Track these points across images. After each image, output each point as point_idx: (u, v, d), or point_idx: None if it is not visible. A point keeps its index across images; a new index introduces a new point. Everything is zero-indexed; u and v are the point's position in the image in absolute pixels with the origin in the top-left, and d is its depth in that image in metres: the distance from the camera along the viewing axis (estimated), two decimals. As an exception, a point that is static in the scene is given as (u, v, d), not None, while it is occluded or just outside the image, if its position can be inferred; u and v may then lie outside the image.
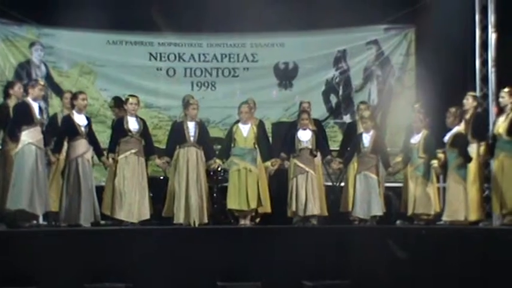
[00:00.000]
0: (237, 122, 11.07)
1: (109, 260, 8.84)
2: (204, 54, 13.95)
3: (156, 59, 13.89)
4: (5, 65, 13.23)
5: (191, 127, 10.76)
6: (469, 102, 10.89)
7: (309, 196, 10.79)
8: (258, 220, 11.35)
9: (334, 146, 12.41)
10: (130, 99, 10.76)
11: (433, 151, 10.75)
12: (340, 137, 12.91)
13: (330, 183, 12.30)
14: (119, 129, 10.65)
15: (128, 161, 10.47)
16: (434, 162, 10.67)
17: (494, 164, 10.55)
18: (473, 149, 10.67)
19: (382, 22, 13.76)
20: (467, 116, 10.80)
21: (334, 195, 11.93)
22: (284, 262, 9.10)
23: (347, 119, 13.87)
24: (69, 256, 8.74)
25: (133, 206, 10.35)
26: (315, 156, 11.08)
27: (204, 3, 12.56)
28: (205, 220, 10.52)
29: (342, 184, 11.92)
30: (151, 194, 11.12)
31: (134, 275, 8.81)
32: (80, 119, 10.34)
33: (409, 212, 10.82)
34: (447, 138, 10.67)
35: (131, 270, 8.83)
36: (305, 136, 11.02)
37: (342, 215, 11.33)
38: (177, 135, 10.82)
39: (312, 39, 13.99)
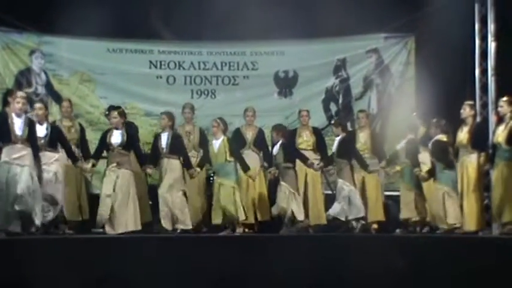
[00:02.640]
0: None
1: (109, 268, 8.83)
2: (204, 62, 13.92)
3: (156, 67, 13.86)
4: (5, 73, 13.22)
5: (164, 138, 10.93)
6: (466, 111, 10.90)
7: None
8: (256, 228, 11.39)
9: (333, 154, 12.42)
10: (112, 112, 10.82)
11: (416, 157, 10.95)
12: (339, 146, 12.92)
13: (329, 192, 12.29)
14: (102, 143, 10.81)
15: (110, 174, 10.55)
16: (417, 170, 10.89)
17: (494, 173, 10.54)
18: (472, 158, 10.70)
19: (382, 31, 13.74)
20: (467, 126, 10.82)
21: (333, 204, 11.90)
22: (283, 270, 9.08)
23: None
24: (70, 264, 8.71)
25: (120, 218, 10.41)
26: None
27: (204, 11, 12.57)
28: (178, 227, 10.71)
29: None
30: (150, 202, 11.18)
31: (134, 283, 8.80)
32: (40, 130, 10.31)
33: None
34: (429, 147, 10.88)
35: (131, 278, 8.81)
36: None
37: (341, 223, 11.31)
38: (154, 146, 11.08)
39: (312, 48, 13.98)
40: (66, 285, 8.60)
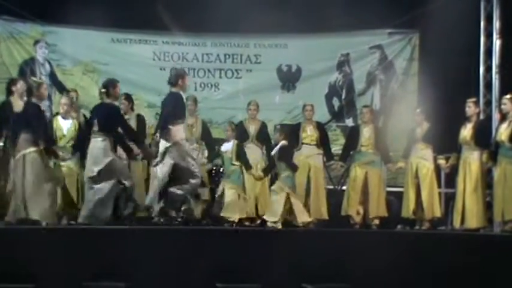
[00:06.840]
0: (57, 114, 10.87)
1: (108, 259, 8.79)
2: (207, 55, 13.94)
3: (159, 58, 13.88)
4: (10, 62, 13.25)
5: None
6: (471, 109, 10.88)
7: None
8: (258, 222, 11.40)
9: (335, 148, 12.42)
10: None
11: (289, 160, 11.07)
12: (342, 141, 12.95)
13: (331, 187, 12.31)
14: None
15: None
16: (253, 170, 11.21)
17: (497, 171, 10.55)
18: (475, 156, 10.70)
19: (386, 27, 13.76)
20: (471, 123, 10.81)
21: (335, 199, 11.94)
22: (284, 264, 9.07)
23: (349, 122, 13.90)
24: (68, 254, 8.67)
25: None
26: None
27: (209, 4, 12.56)
28: None
29: (344, 187, 11.94)
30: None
31: (134, 275, 8.78)
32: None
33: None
34: (273, 152, 11.10)
35: (131, 270, 8.79)
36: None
37: (342, 218, 11.33)
38: None
39: (316, 42, 13.99)
40: (64, 275, 8.58)
